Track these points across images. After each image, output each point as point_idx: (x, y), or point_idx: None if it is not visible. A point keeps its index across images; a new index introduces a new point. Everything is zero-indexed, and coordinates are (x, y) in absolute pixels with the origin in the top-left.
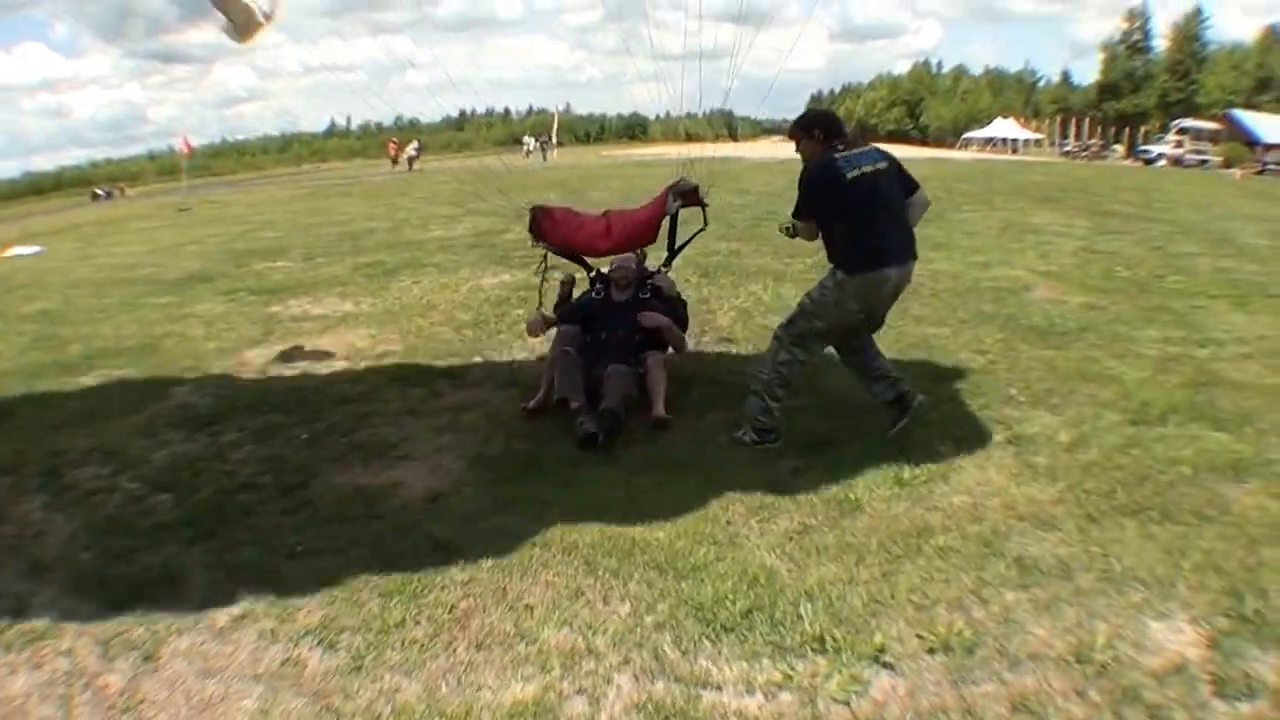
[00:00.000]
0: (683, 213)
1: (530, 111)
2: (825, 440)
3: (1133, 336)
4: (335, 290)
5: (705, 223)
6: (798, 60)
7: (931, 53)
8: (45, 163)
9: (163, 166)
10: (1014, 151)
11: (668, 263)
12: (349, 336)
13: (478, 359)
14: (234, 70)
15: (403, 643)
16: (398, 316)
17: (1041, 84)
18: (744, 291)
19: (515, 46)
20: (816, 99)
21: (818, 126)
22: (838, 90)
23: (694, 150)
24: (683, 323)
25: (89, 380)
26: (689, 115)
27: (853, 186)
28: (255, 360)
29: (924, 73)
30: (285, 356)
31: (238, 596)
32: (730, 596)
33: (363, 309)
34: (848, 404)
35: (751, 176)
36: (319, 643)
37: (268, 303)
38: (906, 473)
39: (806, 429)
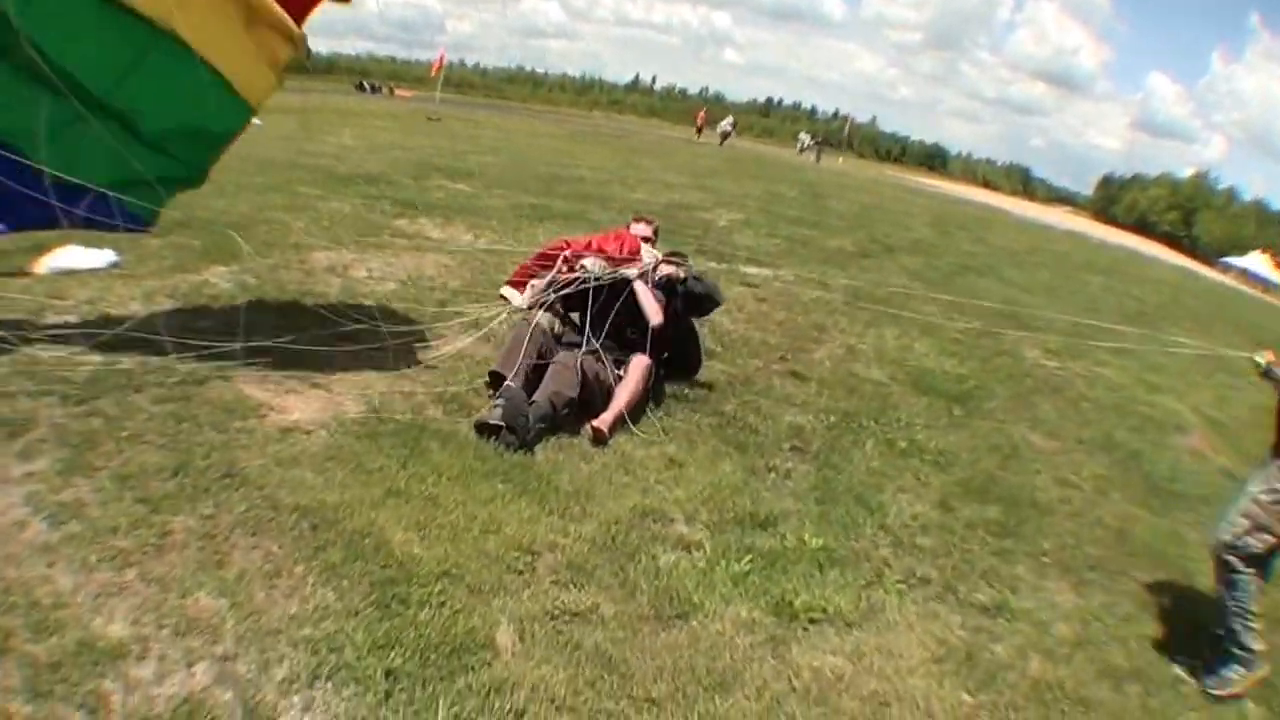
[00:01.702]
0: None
1: (835, 115)
2: (766, 521)
3: None
4: (473, 219)
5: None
6: (1099, 137)
7: (1215, 165)
8: (320, 45)
9: (448, 79)
10: (1265, 290)
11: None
12: (424, 262)
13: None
14: (544, 3)
15: (103, 546)
16: (490, 257)
17: None
18: (873, 333)
19: (835, 48)
20: (1108, 180)
21: None
22: (1128, 176)
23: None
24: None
25: (154, 243)
26: (988, 161)
27: None
28: (317, 262)
29: (1200, 183)
30: (348, 266)
31: (44, 454)
32: (402, 643)
33: (478, 243)
34: (841, 499)
35: (1001, 233)
36: (51, 516)
37: (397, 215)
38: (800, 600)
39: (762, 504)
